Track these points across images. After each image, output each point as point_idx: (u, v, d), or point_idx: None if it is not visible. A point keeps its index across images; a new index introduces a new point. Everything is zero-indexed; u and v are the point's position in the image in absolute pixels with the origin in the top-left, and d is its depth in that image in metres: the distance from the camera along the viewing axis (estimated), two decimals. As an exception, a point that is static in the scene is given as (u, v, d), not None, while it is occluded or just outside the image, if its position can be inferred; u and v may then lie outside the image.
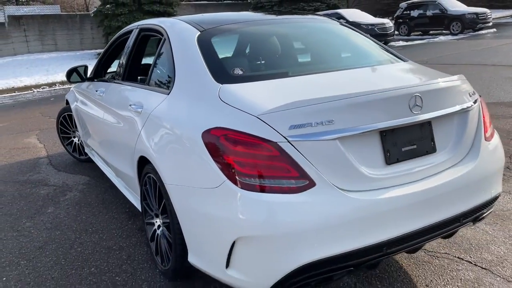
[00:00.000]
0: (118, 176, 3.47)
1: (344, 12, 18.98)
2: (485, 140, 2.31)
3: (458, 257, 2.67)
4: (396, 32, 21.81)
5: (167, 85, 2.60)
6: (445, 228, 2.13)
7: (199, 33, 2.58)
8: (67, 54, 20.38)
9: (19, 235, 3.31)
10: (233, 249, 1.89)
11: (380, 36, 17.58)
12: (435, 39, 19.01)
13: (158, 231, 2.60)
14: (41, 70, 16.64)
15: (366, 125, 1.92)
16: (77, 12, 23.70)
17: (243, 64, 2.47)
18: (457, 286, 2.40)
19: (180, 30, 2.71)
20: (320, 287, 2.31)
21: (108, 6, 19.18)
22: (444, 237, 2.33)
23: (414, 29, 21.74)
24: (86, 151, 4.67)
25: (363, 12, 19.37)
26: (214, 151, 1.92)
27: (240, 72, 2.31)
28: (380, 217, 1.90)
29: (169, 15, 20.54)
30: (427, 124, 2.11)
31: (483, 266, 2.57)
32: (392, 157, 2.00)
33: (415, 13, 21.39)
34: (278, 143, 1.81)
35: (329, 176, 1.85)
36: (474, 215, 2.24)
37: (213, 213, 1.92)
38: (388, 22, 18.29)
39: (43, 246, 3.11)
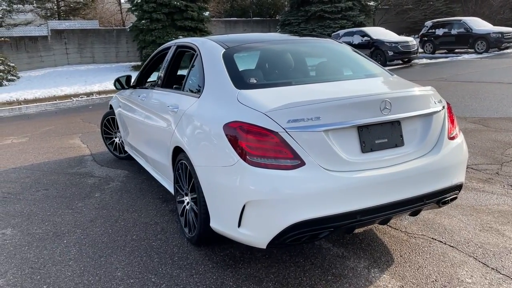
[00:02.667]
0: (155, 167, 4.18)
1: (368, 30, 19.55)
2: (449, 139, 2.90)
3: (431, 238, 3.23)
4: (421, 50, 22.22)
5: (198, 90, 3.30)
6: (410, 206, 2.72)
7: (224, 50, 3.28)
8: (104, 66, 21.63)
9: (74, 212, 4.04)
10: (243, 212, 2.53)
11: (403, 53, 18.09)
12: (459, 57, 19.34)
13: (187, 207, 3.27)
14: (80, 81, 17.82)
15: (346, 121, 2.55)
16: (114, 27, 25.10)
17: (258, 74, 3.15)
18: (426, 257, 2.96)
19: (209, 47, 3.42)
20: (308, 243, 2.91)
21: (143, 21, 20.36)
22: (412, 215, 2.91)
23: (439, 47, 22.09)
24: (126, 149, 5.42)
25: (387, 30, 19.88)
26: (231, 138, 2.58)
27: (254, 81, 2.99)
28: (354, 191, 2.51)
29: (200, 30, 21.58)
30: (397, 123, 2.72)
31: (451, 245, 3.12)
32: (366, 147, 2.62)
33: (440, 31, 21.78)
34: (279, 132, 2.46)
35: (316, 158, 2.48)
36: (436, 198, 2.81)
37: (229, 185, 2.58)
38: (411, 40, 18.73)
39: (93, 220, 3.82)
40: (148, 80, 5.14)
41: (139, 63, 21.31)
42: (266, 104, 2.61)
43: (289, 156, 2.46)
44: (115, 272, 2.92)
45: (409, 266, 2.86)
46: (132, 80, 5.04)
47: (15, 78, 18.95)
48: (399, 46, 18.01)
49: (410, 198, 2.68)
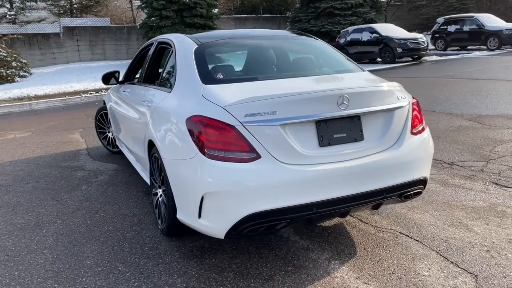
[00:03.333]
0: (137, 160, 4.28)
1: (377, 26, 19.43)
2: (412, 134, 2.93)
3: (399, 232, 3.27)
4: (433, 47, 22.00)
5: (170, 85, 3.38)
6: (369, 199, 2.77)
7: (197, 46, 3.36)
8: (114, 63, 21.92)
9: (58, 204, 4.17)
10: (202, 203, 2.61)
11: (412, 50, 17.94)
12: (470, 54, 19.12)
13: (160, 199, 3.36)
14: (90, 77, 18.12)
15: (302, 116, 2.60)
16: (125, 24, 25.38)
17: (225, 70, 3.22)
18: (388, 251, 3.00)
19: (184, 43, 3.50)
20: (266, 234, 3.01)
21: (153, 19, 20.57)
22: (373, 208, 2.95)
23: (451, 44, 21.86)
24: (117, 143, 5.55)
25: (397, 27, 19.72)
26: (192, 131, 2.66)
27: (221, 76, 3.06)
28: (310, 184, 2.57)
29: (210, 28, 21.69)
30: (357, 117, 2.77)
31: (417, 239, 3.15)
32: (324, 141, 2.67)
33: (452, 28, 21.54)
34: (236, 126, 2.53)
35: (272, 152, 2.54)
36: (397, 192, 2.85)
37: (189, 177, 2.65)
38: (421, 37, 18.56)
39: (75, 211, 3.94)
40: (137, 76, 5.25)
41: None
42: (226, 98, 2.68)
43: (245, 150, 2.52)
44: (85, 261, 3.03)
45: (370, 259, 2.91)
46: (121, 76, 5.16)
47: (27, 74, 19.35)
48: (408, 43, 17.87)
49: (369, 191, 2.72)
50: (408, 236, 3.20)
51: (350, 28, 20.64)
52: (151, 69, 4.26)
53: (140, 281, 2.74)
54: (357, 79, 3.25)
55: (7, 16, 21.61)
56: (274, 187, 2.51)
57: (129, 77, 5.11)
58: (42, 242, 3.36)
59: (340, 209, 2.72)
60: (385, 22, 27.50)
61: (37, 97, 14.92)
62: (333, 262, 2.87)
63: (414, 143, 2.93)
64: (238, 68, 3.40)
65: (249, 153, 2.52)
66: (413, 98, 3.11)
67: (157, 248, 3.16)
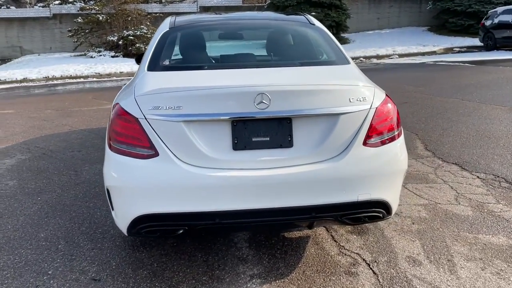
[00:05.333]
0: None
1: None
2: (365, 145, 2.39)
3: (362, 259, 2.74)
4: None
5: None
6: (293, 217, 2.36)
7: (167, 30, 3.19)
8: (240, 41, 22.59)
9: (75, 174, 4.47)
10: (110, 196, 2.50)
11: None
12: None
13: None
14: (212, 54, 18.94)
15: (213, 114, 2.29)
16: (256, 4, 25.85)
17: (176, 56, 2.99)
18: (330, 279, 2.54)
19: (162, 25, 3.35)
20: (168, 237, 2.87)
21: (280, -2, 20.53)
22: (308, 227, 2.51)
23: None
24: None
25: None
26: (110, 120, 2.54)
27: (166, 63, 2.86)
28: (213, 191, 2.27)
29: (336, 7, 20.88)
30: (286, 120, 2.34)
31: (376, 272, 2.61)
32: (239, 144, 2.32)
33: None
34: (139, 119, 2.34)
35: (174, 151, 2.29)
36: (334, 212, 2.38)
37: (103, 170, 2.56)
38: None
39: (79, 184, 4.18)
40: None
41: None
42: (145, 88, 2.49)
43: (145, 145, 2.33)
44: (40, 233, 3.18)
45: (297, 285, 2.50)
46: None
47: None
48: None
49: (290, 208, 2.32)
50: (369, 266, 2.67)
51: (500, 9, 17.82)
52: None
53: (62, 263, 2.78)
54: (311, 74, 2.75)
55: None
56: (169, 190, 2.28)
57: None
58: (29, 208, 3.63)
59: (252, 223, 2.37)
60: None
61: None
62: (253, 281, 2.54)
63: (365, 157, 2.38)
64: (190, 55, 3.14)
65: (148, 150, 2.32)
66: (387, 102, 2.51)
67: (107, 232, 3.17)
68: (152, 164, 2.30)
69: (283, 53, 3.21)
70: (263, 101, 2.28)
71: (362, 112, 2.40)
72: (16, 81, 14.54)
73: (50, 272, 2.67)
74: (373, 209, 2.45)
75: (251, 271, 2.63)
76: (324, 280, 2.54)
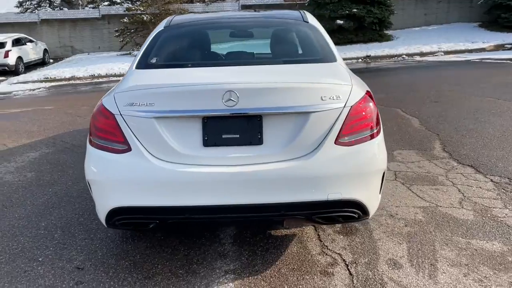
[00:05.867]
0: None
1: None
2: (337, 144, 2.35)
3: (342, 259, 2.70)
4: None
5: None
6: (261, 214, 2.37)
7: (162, 28, 3.27)
8: (281, 39, 22.52)
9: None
10: (90, 189, 2.61)
11: None
12: None
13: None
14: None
15: (183, 110, 2.34)
16: (297, 1, 25.68)
17: (164, 55, 3.05)
18: (304, 278, 2.52)
19: (160, 24, 3.44)
20: (143, 230, 2.99)
21: (321, -5, 20.30)
22: (283, 226, 2.50)
23: None
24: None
25: None
26: (92, 116, 2.65)
27: (153, 61, 2.93)
28: (183, 186, 2.32)
29: (379, 3, 20.36)
30: (256, 118, 2.34)
31: (352, 273, 2.56)
32: (209, 140, 2.35)
33: None
34: (115, 115, 2.42)
35: (147, 146, 2.36)
36: (304, 211, 2.36)
37: (84, 164, 2.66)
38: None
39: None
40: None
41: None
42: (125, 85, 2.58)
43: (120, 140, 2.41)
44: (41, 222, 3.36)
45: (269, 283, 2.50)
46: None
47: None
48: None
49: (258, 205, 2.33)
50: (347, 267, 2.63)
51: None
52: None
53: (54, 251, 2.93)
54: (289, 72, 2.71)
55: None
56: (140, 184, 2.35)
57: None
58: (38, 198, 3.84)
59: (222, 219, 2.40)
60: None
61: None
62: (226, 276, 2.57)
63: (337, 156, 2.34)
64: (181, 53, 3.19)
65: (122, 145, 2.40)
66: (365, 101, 2.45)
67: (102, 224, 3.29)
68: (125, 158, 2.39)
69: (269, 51, 3.20)
70: (231, 98, 2.30)
71: (335, 110, 2.36)
72: (65, 79, 15.34)
73: (40, 259, 2.83)
74: (346, 209, 2.40)
75: (227, 267, 2.66)
76: (297, 278, 2.52)
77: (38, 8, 26.19)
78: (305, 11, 3.55)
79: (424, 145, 4.97)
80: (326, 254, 2.77)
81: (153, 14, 19.58)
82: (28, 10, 26.44)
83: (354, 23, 19.45)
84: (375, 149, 2.46)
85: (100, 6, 22.53)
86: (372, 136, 2.44)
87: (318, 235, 3.00)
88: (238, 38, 3.41)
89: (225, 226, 3.06)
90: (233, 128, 2.36)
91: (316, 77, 2.52)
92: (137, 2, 21.77)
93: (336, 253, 2.78)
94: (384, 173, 2.55)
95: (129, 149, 2.38)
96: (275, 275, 2.56)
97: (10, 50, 17.11)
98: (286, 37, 3.30)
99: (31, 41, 19.19)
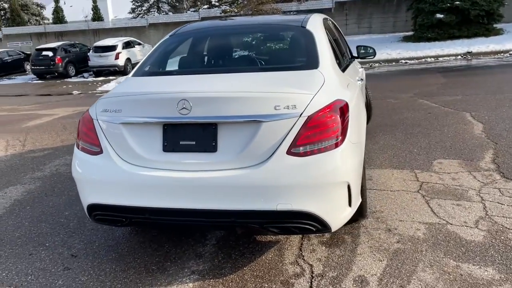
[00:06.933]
0: None
1: None
2: (288, 154, 2.31)
3: (312, 271, 2.63)
4: None
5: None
6: (214, 219, 2.43)
7: (167, 37, 3.45)
8: (376, 37, 21.64)
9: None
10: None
11: None
12: None
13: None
14: (342, 51, 18.62)
15: (145, 117, 2.48)
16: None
17: (157, 63, 3.20)
18: (266, 286, 2.52)
19: (171, 32, 3.63)
20: (120, 226, 3.15)
21: (420, -13, 19.09)
22: (247, 232, 2.52)
23: None
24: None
25: None
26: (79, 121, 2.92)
27: (146, 69, 3.12)
28: (143, 188, 2.47)
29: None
30: (212, 126, 2.39)
31: (313, 285, 2.49)
32: (168, 146, 2.46)
33: None
34: (93, 120, 2.66)
35: (116, 149, 2.56)
36: (254, 219, 2.37)
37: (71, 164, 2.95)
38: None
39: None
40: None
41: (410, 33, 20.22)
42: (110, 92, 2.81)
43: (95, 143, 2.64)
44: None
45: (229, 286, 2.54)
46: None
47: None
48: None
49: (210, 210, 2.39)
50: (311, 279, 2.56)
51: None
52: None
53: (61, 238, 3.28)
54: (253, 80, 2.66)
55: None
56: (108, 183, 2.55)
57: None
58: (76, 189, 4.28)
59: (179, 221, 2.51)
60: None
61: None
62: (190, 276, 2.66)
63: (288, 166, 2.30)
64: (167, 61, 3.30)
65: (96, 147, 2.62)
66: (327, 111, 2.35)
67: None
68: (97, 160, 2.61)
69: (253, 58, 3.20)
70: (185, 107, 2.38)
71: (289, 120, 2.32)
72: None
73: (47, 244, 3.20)
74: (298, 221, 2.35)
75: (196, 267, 2.76)
76: (255, 285, 2.53)
77: (148, 14, 28.54)
78: (314, 14, 3.46)
79: (473, 154, 4.53)
80: (298, 264, 2.72)
81: (246, 15, 20.18)
82: (139, 16, 28.97)
83: (456, 16, 17.95)
84: (337, 160, 2.36)
85: (200, 9, 23.84)
86: (332, 147, 2.35)
87: (301, 244, 2.95)
88: (235, 46, 3.47)
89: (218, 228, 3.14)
90: (190, 135, 2.44)
91: (276, 86, 2.49)
92: (234, 4, 22.60)
93: (309, 264, 2.71)
94: (348, 185, 2.43)
95: (101, 151, 2.60)
96: (235, 280, 2.59)
97: (120, 52, 18.93)
98: (277, 43, 3.28)
99: (139, 43, 20.99)
